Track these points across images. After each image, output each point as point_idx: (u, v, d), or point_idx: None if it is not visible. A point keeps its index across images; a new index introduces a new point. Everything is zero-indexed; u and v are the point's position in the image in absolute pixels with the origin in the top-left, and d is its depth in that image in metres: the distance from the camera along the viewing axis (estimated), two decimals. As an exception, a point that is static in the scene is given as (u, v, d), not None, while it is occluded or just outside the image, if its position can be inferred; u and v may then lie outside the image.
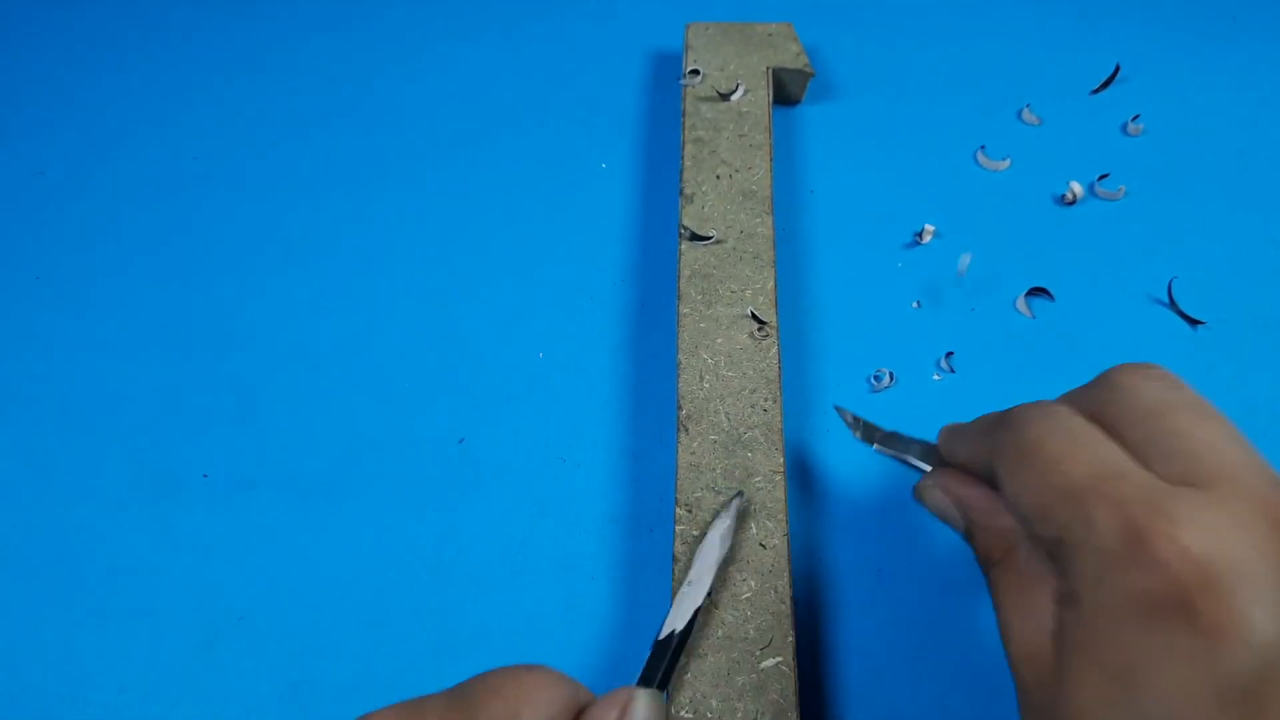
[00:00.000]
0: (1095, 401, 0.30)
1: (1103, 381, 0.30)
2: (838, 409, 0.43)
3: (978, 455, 0.33)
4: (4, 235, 0.57)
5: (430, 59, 0.65)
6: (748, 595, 0.38)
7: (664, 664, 0.34)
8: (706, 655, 0.36)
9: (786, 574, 0.38)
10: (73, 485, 0.47)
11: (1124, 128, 0.59)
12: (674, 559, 0.39)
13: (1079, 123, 0.59)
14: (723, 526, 0.39)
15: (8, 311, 0.53)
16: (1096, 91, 0.61)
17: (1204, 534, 0.23)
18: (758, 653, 0.36)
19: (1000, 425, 0.31)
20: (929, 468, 0.37)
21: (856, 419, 0.42)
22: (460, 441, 0.47)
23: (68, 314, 0.53)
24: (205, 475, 0.47)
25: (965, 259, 0.51)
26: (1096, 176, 0.56)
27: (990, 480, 0.32)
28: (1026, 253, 0.53)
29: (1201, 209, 0.55)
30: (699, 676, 0.36)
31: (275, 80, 0.64)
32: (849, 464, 0.46)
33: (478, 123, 0.61)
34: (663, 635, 0.35)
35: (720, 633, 0.37)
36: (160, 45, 0.67)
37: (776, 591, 0.38)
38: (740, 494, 0.40)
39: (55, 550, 0.45)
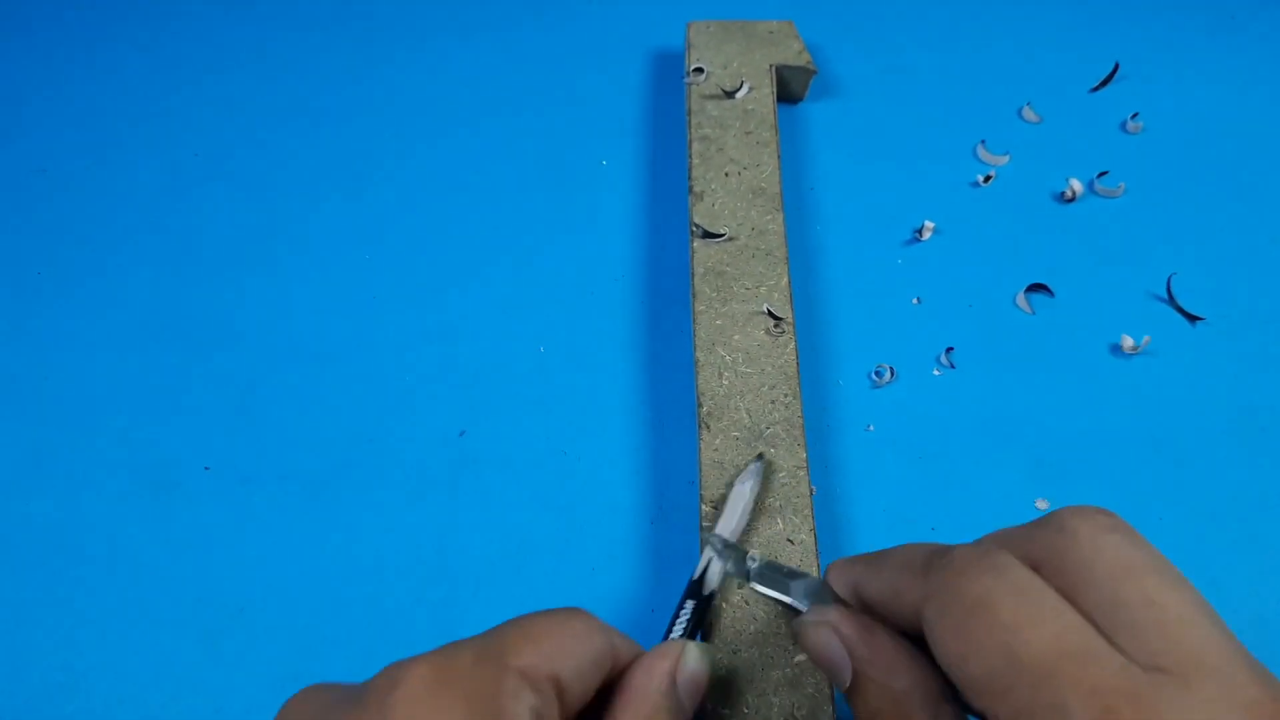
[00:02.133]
0: (1045, 549, 0.27)
1: (1052, 525, 0.27)
2: (704, 537, 0.39)
3: (900, 597, 0.29)
4: (5, 232, 0.56)
5: (431, 56, 0.65)
6: (777, 590, 0.38)
7: (704, 619, 0.36)
8: (740, 651, 0.36)
9: (815, 569, 0.39)
10: (74, 479, 0.46)
11: (1123, 125, 0.59)
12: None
13: (1079, 120, 0.60)
14: (745, 488, 0.40)
15: (9, 307, 0.53)
16: (1096, 89, 0.61)
17: None
18: (791, 647, 0.36)
19: (936, 569, 0.28)
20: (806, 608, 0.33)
21: (726, 545, 0.38)
22: (461, 434, 0.47)
23: (69, 309, 0.52)
24: (206, 468, 0.46)
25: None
26: (1096, 174, 0.56)
27: (902, 627, 0.29)
28: (1026, 249, 0.54)
29: (1201, 206, 0.56)
30: (733, 672, 0.36)
31: (275, 78, 0.63)
32: (868, 458, 0.46)
33: (478, 120, 0.61)
34: (706, 592, 0.37)
35: (753, 628, 0.37)
36: (160, 42, 0.66)
37: (806, 586, 0.38)
38: (760, 456, 0.41)
39: (56, 543, 0.44)
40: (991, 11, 0.66)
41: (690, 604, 0.36)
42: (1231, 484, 0.45)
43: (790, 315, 0.46)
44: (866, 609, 0.31)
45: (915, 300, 0.51)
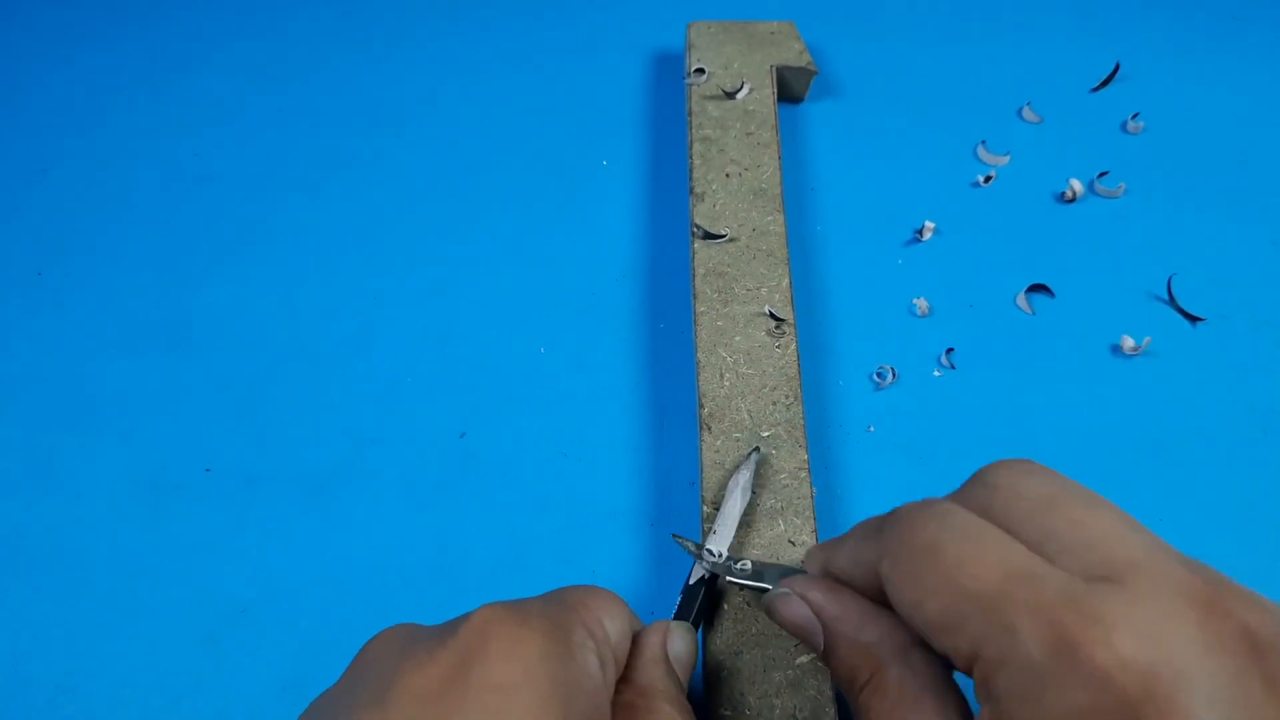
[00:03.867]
0: (977, 501, 0.28)
1: (978, 481, 0.29)
2: (676, 538, 0.39)
3: (860, 561, 0.31)
4: (7, 233, 0.56)
5: (432, 57, 0.65)
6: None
7: (696, 604, 0.37)
8: (742, 652, 0.36)
9: (815, 570, 0.39)
10: (75, 480, 0.46)
11: (1124, 125, 0.59)
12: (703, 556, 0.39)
13: (1079, 120, 0.60)
14: (743, 479, 0.40)
15: (9, 307, 0.53)
16: (1096, 89, 0.61)
17: (1137, 637, 0.22)
18: (793, 649, 0.36)
19: (887, 527, 0.29)
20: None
21: (699, 546, 0.38)
22: (461, 436, 0.47)
23: (70, 310, 0.52)
24: (207, 470, 0.46)
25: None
26: (1096, 174, 0.56)
27: (870, 593, 0.31)
28: (1026, 250, 0.54)
29: (1201, 206, 0.56)
30: (735, 674, 0.36)
31: (275, 79, 0.63)
32: (869, 459, 0.46)
33: (479, 121, 0.61)
34: (693, 581, 0.38)
35: (755, 629, 0.37)
36: (160, 43, 0.66)
37: (808, 587, 0.38)
38: (757, 449, 0.41)
39: (58, 545, 0.44)
40: (992, 11, 0.66)
41: (683, 593, 0.38)
42: (1232, 484, 0.45)
43: (791, 316, 0.46)
44: (839, 582, 0.32)
45: (916, 300, 0.51)
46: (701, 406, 0.43)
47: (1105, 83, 0.61)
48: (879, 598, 0.30)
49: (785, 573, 0.35)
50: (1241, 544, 0.44)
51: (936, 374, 0.49)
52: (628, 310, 0.52)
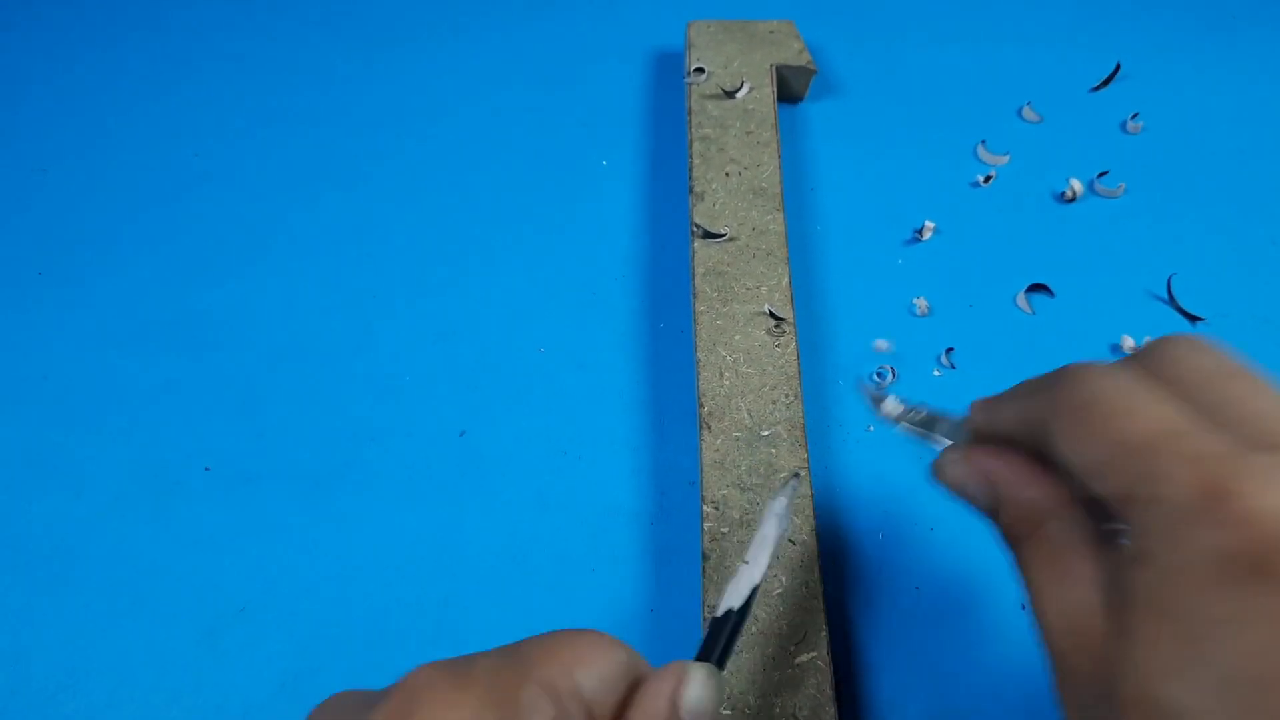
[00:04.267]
0: (1150, 366, 0.28)
1: (1154, 350, 0.29)
2: (863, 385, 0.40)
3: (1024, 417, 0.31)
4: (5, 231, 0.56)
5: (431, 56, 0.65)
6: (779, 591, 0.38)
7: (721, 641, 0.33)
8: (742, 652, 0.36)
9: (816, 569, 0.39)
10: (75, 478, 0.46)
11: (1124, 125, 0.59)
12: (704, 556, 0.39)
13: (1079, 120, 0.60)
14: (780, 505, 0.37)
15: (9, 306, 0.53)
16: (1096, 89, 0.61)
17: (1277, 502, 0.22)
18: (792, 648, 0.36)
19: (1052, 384, 0.29)
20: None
21: (879, 395, 0.39)
22: (461, 434, 0.47)
23: (70, 309, 0.52)
24: (207, 468, 0.46)
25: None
26: (1096, 174, 0.56)
27: (1033, 448, 0.31)
28: (1026, 249, 0.54)
29: (1200, 206, 0.56)
30: (735, 673, 0.36)
31: (276, 77, 0.63)
32: (869, 459, 0.46)
33: (479, 120, 0.61)
34: (720, 613, 0.34)
35: (754, 629, 0.37)
36: (161, 43, 0.66)
37: (808, 587, 0.38)
38: (797, 474, 0.40)
39: (57, 543, 0.44)
40: (992, 11, 0.66)
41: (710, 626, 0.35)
42: (1232, 484, 0.45)
43: (791, 315, 0.46)
44: (1002, 440, 0.32)
45: (916, 300, 0.51)
46: (701, 405, 0.43)
47: (1105, 83, 0.61)
48: (1041, 454, 0.30)
49: (953, 426, 0.35)
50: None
51: (936, 374, 0.49)
52: (628, 310, 0.51)
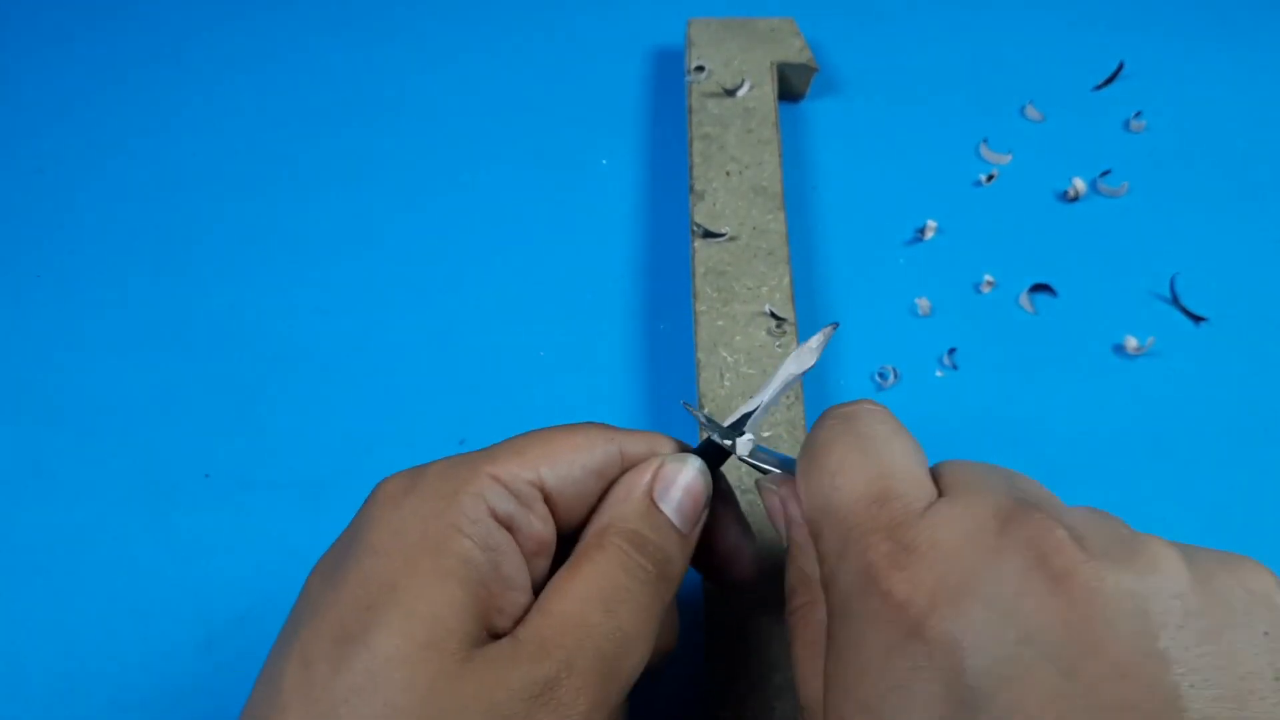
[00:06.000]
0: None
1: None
2: (686, 405, 0.34)
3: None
4: (3, 232, 0.56)
5: (430, 55, 0.64)
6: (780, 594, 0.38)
7: (726, 425, 0.32)
8: (742, 655, 0.36)
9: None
10: (73, 484, 0.46)
11: (1127, 124, 0.59)
12: None
13: (1082, 119, 0.59)
14: (807, 346, 0.33)
15: (6, 309, 0.52)
16: (1099, 88, 0.61)
17: (936, 558, 0.23)
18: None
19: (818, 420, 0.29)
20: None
21: (710, 419, 0.33)
22: (461, 442, 0.47)
23: (67, 312, 0.52)
24: (206, 475, 0.46)
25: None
26: (1099, 173, 0.56)
27: None
28: (1029, 249, 0.53)
29: (1204, 205, 0.55)
30: (736, 678, 0.36)
31: (275, 77, 0.63)
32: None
33: (478, 119, 0.60)
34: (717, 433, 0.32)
35: (756, 631, 0.37)
36: (159, 43, 0.66)
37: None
38: (836, 324, 0.37)
39: (56, 549, 0.44)
40: (994, 9, 0.66)
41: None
42: (1235, 485, 0.45)
43: (792, 316, 0.46)
44: None
45: (918, 300, 0.51)
46: (701, 407, 0.43)
47: (1108, 81, 0.61)
48: None
49: (788, 462, 0.32)
50: (1243, 544, 0.43)
51: (939, 374, 0.49)
52: (630, 312, 0.51)
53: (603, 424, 0.31)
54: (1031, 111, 0.59)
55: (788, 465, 0.32)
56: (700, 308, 0.46)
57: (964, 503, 0.24)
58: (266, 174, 0.58)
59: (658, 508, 0.29)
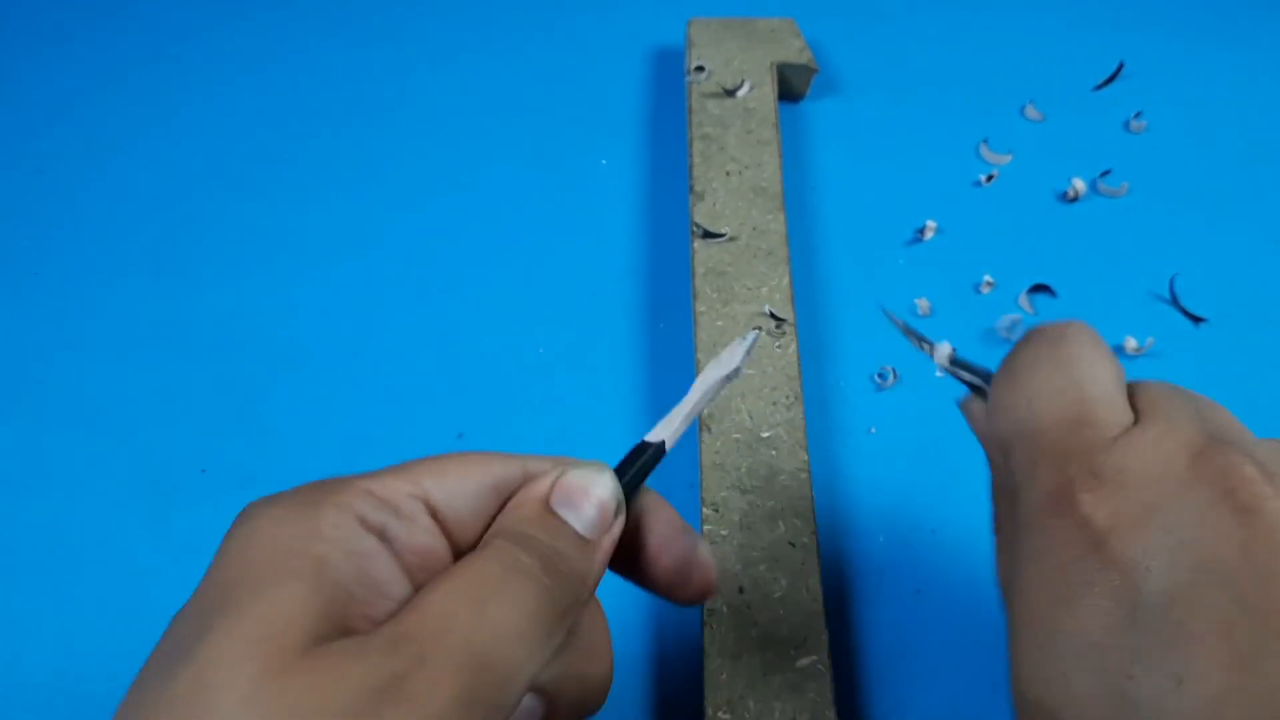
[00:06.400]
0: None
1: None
2: (886, 312, 0.35)
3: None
4: (3, 232, 0.56)
5: (430, 56, 0.64)
6: (779, 594, 0.38)
7: (632, 468, 0.31)
8: (741, 656, 0.36)
9: (817, 572, 0.38)
10: (71, 482, 0.46)
11: (1127, 125, 0.59)
12: None
13: (1082, 119, 0.59)
14: (730, 350, 0.32)
15: (6, 308, 0.52)
16: (1099, 88, 0.61)
17: (1123, 485, 0.24)
18: (792, 652, 0.36)
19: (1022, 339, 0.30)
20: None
21: (909, 327, 0.34)
22: (459, 437, 0.47)
23: (66, 311, 0.52)
24: (203, 471, 0.46)
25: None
26: (1099, 173, 0.56)
27: None
28: (1029, 249, 0.53)
29: (1204, 206, 0.55)
30: (735, 677, 0.36)
31: (274, 78, 0.63)
32: (870, 460, 0.46)
33: (478, 120, 0.60)
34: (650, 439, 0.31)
35: (754, 633, 0.37)
36: (159, 44, 0.66)
37: (808, 590, 0.38)
38: (759, 329, 0.37)
39: (53, 547, 0.44)
40: (994, 9, 0.66)
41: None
42: (1236, 486, 0.45)
43: (792, 316, 0.46)
44: None
45: (917, 301, 0.51)
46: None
47: (1108, 81, 0.61)
48: None
49: (989, 375, 0.31)
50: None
51: (939, 375, 0.49)
52: (629, 310, 0.51)
53: (510, 452, 0.30)
54: (1031, 111, 0.59)
55: (988, 377, 0.32)
56: (700, 308, 0.46)
57: (1156, 432, 0.25)
58: (266, 174, 0.58)
59: (553, 513, 0.28)
